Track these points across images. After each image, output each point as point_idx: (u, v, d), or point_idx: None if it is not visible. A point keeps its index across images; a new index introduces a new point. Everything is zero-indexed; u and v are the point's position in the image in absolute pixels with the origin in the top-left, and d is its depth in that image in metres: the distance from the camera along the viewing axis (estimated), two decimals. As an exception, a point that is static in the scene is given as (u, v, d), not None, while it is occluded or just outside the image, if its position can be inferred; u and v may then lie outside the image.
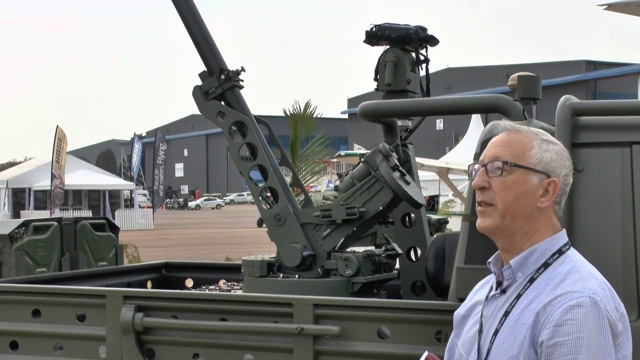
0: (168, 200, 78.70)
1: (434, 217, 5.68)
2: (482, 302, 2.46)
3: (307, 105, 16.19)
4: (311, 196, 5.96)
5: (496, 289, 2.41)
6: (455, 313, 2.59)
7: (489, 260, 2.46)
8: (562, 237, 2.40)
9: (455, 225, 5.42)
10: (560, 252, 2.36)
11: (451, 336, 2.61)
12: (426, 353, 2.48)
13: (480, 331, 2.40)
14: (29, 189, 45.86)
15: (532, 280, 2.33)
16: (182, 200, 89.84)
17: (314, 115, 16.36)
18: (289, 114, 16.16)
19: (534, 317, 2.25)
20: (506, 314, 2.33)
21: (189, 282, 6.08)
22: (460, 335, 2.52)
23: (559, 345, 2.18)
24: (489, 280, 2.50)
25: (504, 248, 2.40)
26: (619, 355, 2.26)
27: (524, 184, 2.34)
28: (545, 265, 2.34)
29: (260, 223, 5.05)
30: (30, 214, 40.61)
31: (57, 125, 37.92)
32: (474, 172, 2.44)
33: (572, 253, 2.39)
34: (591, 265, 2.38)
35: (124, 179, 58.03)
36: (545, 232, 2.37)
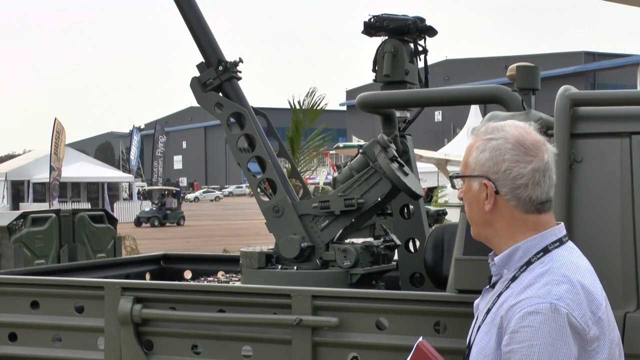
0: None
1: (433, 208, 5.68)
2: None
3: (311, 93, 16.07)
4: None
5: (488, 283, 2.43)
6: (475, 302, 2.58)
7: (490, 254, 2.46)
8: (552, 234, 2.33)
9: (453, 216, 5.42)
10: (546, 250, 2.30)
11: None
12: (420, 339, 2.47)
13: (475, 324, 2.42)
14: (28, 181, 45.92)
15: (514, 279, 2.30)
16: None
17: (319, 107, 16.30)
18: (294, 105, 16.09)
19: (499, 319, 2.24)
20: (488, 310, 2.32)
21: (188, 274, 6.08)
22: None
23: (513, 353, 2.16)
24: None
25: (491, 248, 2.44)
26: None
27: (469, 192, 2.37)
28: (528, 263, 2.30)
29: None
30: (29, 206, 40.67)
31: (55, 118, 37.93)
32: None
33: (559, 252, 2.31)
34: (576, 265, 2.29)
35: (123, 172, 58.01)
36: (520, 230, 2.31)
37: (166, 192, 43.83)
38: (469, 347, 2.39)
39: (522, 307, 2.18)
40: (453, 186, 2.54)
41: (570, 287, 2.20)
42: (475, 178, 2.33)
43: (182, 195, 48.25)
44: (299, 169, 15.64)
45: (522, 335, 2.15)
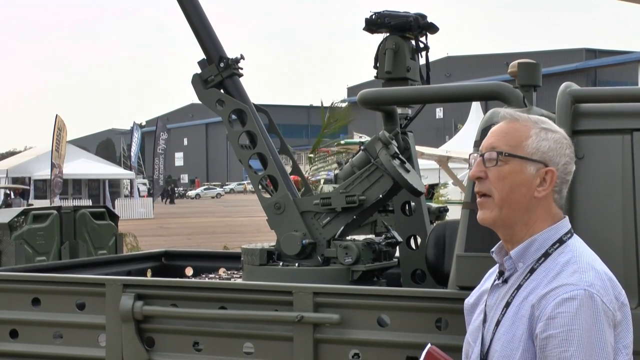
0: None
1: (434, 205, 5.69)
2: (488, 290, 2.46)
3: (347, 106, 16.41)
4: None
5: (499, 279, 2.42)
6: (465, 302, 2.60)
7: (492, 249, 2.47)
8: (564, 225, 2.38)
9: (455, 213, 5.41)
10: (561, 241, 2.35)
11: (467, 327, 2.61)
12: (429, 345, 2.46)
13: (484, 321, 2.41)
14: (29, 178, 45.87)
15: (532, 270, 2.33)
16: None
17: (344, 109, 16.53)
18: (325, 105, 16.28)
19: (530, 309, 2.25)
20: (507, 304, 2.33)
21: (189, 271, 6.08)
22: (469, 324, 2.53)
23: (551, 338, 2.18)
24: (497, 269, 2.50)
25: (506, 239, 2.41)
26: (620, 345, 2.25)
27: (520, 174, 2.33)
28: (546, 255, 2.33)
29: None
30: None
31: (57, 115, 37.92)
32: (473, 162, 2.43)
33: (574, 242, 2.37)
34: (593, 254, 2.36)
35: (124, 168, 58.03)
36: (544, 222, 2.36)
37: (13, 192, 39.11)
38: (483, 343, 2.37)
39: (557, 294, 2.21)
40: (468, 164, 2.49)
41: (597, 274, 2.26)
42: (533, 162, 2.33)
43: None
44: (314, 167, 15.74)
45: (560, 320, 2.18)
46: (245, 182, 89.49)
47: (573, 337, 2.16)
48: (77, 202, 41.32)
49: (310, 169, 15.36)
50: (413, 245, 5.27)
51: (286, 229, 4.80)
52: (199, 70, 5.17)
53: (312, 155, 15.63)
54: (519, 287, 2.32)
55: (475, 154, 2.43)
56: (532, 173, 2.34)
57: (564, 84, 3.64)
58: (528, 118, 2.40)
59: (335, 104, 16.34)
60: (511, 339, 2.28)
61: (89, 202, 43.33)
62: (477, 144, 3.49)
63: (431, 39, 5.28)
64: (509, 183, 2.34)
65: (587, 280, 2.22)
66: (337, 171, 5.21)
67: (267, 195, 4.98)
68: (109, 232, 7.26)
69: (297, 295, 3.92)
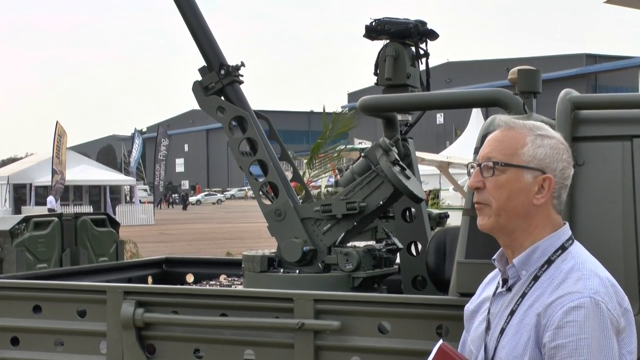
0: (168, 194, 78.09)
1: (435, 211, 5.69)
2: (490, 298, 2.46)
3: (346, 114, 16.49)
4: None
5: (502, 287, 2.42)
6: (465, 308, 2.60)
7: (494, 257, 2.47)
8: (565, 232, 2.38)
9: (455, 219, 5.42)
10: (563, 248, 2.35)
11: (463, 332, 2.61)
12: (440, 341, 2.47)
13: (487, 328, 2.40)
14: (30, 184, 45.90)
15: (536, 278, 2.33)
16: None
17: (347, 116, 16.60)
18: (327, 112, 16.34)
19: (536, 318, 2.25)
20: (512, 312, 2.33)
21: (190, 278, 6.08)
22: (470, 330, 2.53)
23: (560, 348, 2.18)
24: (497, 275, 2.50)
25: (506, 245, 2.41)
26: (624, 351, 2.25)
27: (517, 182, 2.34)
28: (549, 262, 2.33)
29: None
30: (31, 209, 40.66)
31: (57, 121, 37.97)
32: (471, 171, 2.44)
33: (575, 248, 2.37)
34: (595, 260, 2.36)
35: (125, 175, 58.05)
36: (545, 228, 2.36)
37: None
38: (487, 351, 2.37)
39: (563, 302, 2.21)
40: (468, 173, 2.49)
41: (600, 281, 2.26)
42: (529, 170, 2.33)
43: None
44: (314, 173, 15.74)
45: (569, 330, 2.18)
46: (246, 188, 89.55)
47: (583, 346, 2.16)
48: (77, 209, 41.35)
49: (309, 174, 15.34)
50: (414, 252, 5.27)
51: (287, 236, 4.80)
52: (199, 77, 5.18)
53: (306, 160, 15.64)
54: (524, 295, 2.32)
55: (474, 163, 2.44)
56: (530, 181, 2.34)
57: (563, 91, 3.64)
58: (523, 125, 2.39)
59: (340, 111, 16.42)
60: (515, 346, 2.28)
61: (90, 208, 43.35)
62: (478, 150, 3.49)
63: (431, 45, 5.29)
64: (506, 192, 2.34)
65: (592, 288, 2.22)
66: (338, 178, 5.21)
67: (268, 202, 4.99)
68: (109, 239, 7.26)
69: (298, 302, 3.92)
